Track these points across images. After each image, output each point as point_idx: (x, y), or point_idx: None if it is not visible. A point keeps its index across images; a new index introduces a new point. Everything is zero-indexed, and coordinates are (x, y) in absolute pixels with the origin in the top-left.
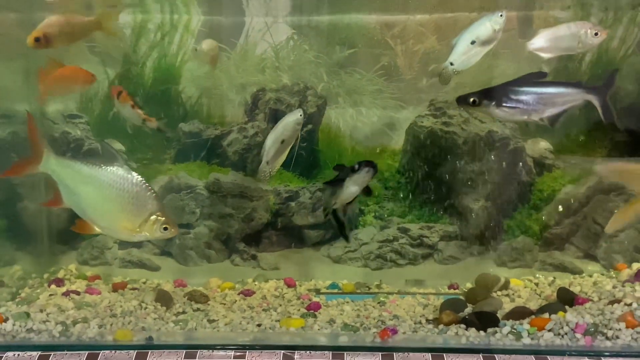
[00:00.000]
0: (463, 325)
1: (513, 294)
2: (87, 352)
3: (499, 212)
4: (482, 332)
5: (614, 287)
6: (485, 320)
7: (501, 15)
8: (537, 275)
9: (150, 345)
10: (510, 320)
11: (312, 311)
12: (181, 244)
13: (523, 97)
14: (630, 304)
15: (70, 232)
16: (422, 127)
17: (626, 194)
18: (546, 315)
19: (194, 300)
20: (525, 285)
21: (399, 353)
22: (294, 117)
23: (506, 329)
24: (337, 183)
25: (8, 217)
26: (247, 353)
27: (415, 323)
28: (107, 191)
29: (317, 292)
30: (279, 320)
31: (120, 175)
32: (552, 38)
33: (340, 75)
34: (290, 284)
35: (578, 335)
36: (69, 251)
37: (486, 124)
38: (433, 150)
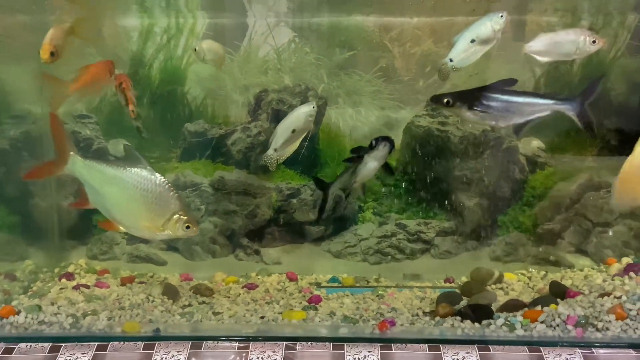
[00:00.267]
0: (459, 318)
1: (507, 288)
2: (96, 344)
3: (493, 208)
4: (477, 324)
5: (604, 280)
6: (480, 313)
7: (502, 16)
8: (530, 269)
9: (157, 337)
10: (504, 313)
11: (313, 304)
12: (187, 239)
13: (494, 104)
14: (620, 297)
15: (79, 228)
16: (419, 127)
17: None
18: (539, 307)
19: (199, 293)
20: (518, 279)
21: (397, 344)
22: (306, 109)
23: (500, 321)
24: (356, 160)
25: (20, 214)
26: (250, 344)
27: (412, 315)
28: (131, 192)
29: (318, 285)
30: (281, 313)
31: (144, 176)
32: (550, 43)
33: (340, 77)
34: (292, 278)
35: (569, 327)
36: (78, 246)
37: None
38: (430, 148)
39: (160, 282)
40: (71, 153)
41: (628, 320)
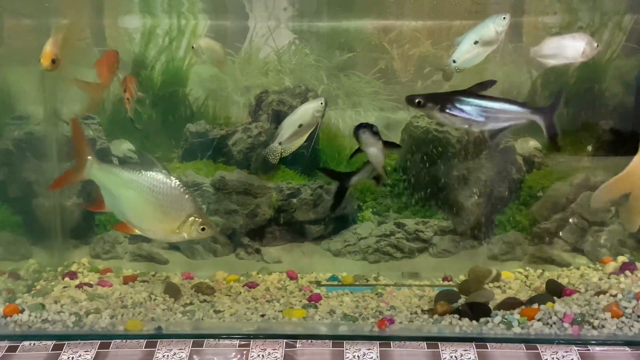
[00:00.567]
0: (457, 316)
1: (504, 286)
2: (99, 342)
3: (490, 208)
4: (474, 322)
5: (600, 279)
6: (477, 311)
7: (504, 18)
8: (527, 268)
9: (159, 335)
10: (502, 311)
11: (313, 302)
12: None
13: (466, 107)
14: (615, 295)
15: (82, 228)
16: (418, 127)
17: None
18: (536, 305)
19: (200, 292)
20: (515, 277)
21: (396, 342)
22: (314, 104)
23: (498, 319)
24: (357, 152)
25: (24, 214)
26: (251, 342)
27: (411, 313)
28: (147, 195)
29: (318, 284)
30: (281, 311)
31: (160, 179)
32: (557, 47)
33: (340, 78)
34: (292, 277)
35: (566, 325)
36: (81, 246)
37: None
38: (428, 149)
39: (162, 281)
40: (88, 157)
41: (624, 318)
